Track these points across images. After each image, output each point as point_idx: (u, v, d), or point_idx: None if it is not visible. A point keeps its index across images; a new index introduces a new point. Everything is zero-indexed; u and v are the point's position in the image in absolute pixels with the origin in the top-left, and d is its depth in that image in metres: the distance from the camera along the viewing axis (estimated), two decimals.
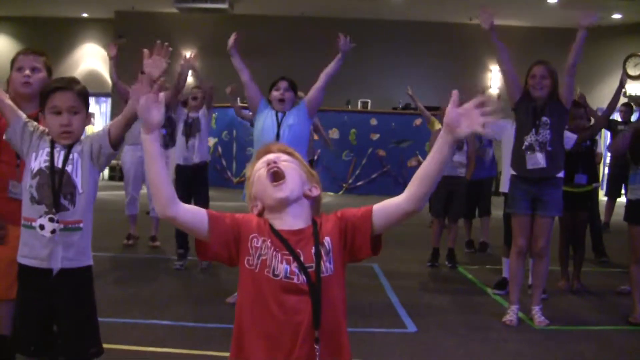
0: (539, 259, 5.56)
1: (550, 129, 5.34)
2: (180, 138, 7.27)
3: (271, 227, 2.22)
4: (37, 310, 3.07)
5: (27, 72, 3.55)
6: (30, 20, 18.69)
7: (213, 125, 15.98)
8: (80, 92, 3.08)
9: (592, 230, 8.02)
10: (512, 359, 4.75)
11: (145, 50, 3.25)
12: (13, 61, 3.65)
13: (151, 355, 4.41)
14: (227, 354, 4.25)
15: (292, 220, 2.23)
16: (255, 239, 2.19)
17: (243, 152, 15.40)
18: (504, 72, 5.54)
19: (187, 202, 6.81)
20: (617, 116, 11.18)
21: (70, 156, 3.04)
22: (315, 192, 2.30)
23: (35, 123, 3.13)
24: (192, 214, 2.20)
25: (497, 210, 8.17)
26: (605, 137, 14.00)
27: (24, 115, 3.12)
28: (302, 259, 2.15)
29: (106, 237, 8.03)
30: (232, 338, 2.23)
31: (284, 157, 2.31)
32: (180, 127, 7.29)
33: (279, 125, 5.64)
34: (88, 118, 3.15)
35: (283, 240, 2.18)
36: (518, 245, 5.48)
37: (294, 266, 2.14)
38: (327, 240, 2.21)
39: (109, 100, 19.06)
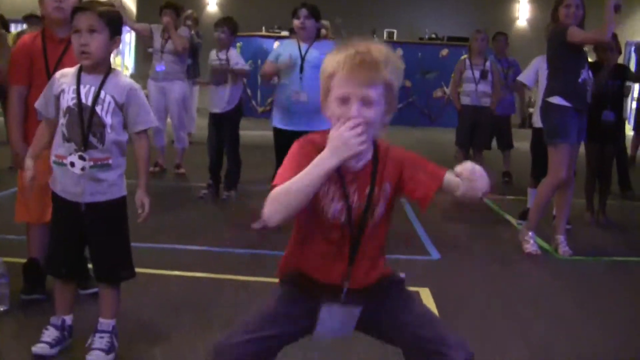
0: (567, 187, 5.54)
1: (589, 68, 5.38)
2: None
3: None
4: (69, 236, 3.14)
5: None
6: None
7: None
8: (103, 13, 3.01)
9: (618, 164, 7.97)
10: (536, 288, 4.79)
11: None
12: None
13: (180, 280, 4.49)
14: (254, 278, 4.32)
15: (354, 161, 2.15)
16: None
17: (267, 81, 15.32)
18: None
19: (220, 145, 6.86)
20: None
21: (102, 95, 3.03)
22: (388, 119, 2.18)
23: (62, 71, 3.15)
24: None
25: (521, 142, 8.13)
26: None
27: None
28: (354, 199, 2.15)
29: (132, 165, 8.08)
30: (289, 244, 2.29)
31: (366, 112, 2.06)
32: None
33: (302, 59, 5.62)
34: (116, 42, 3.09)
35: (340, 176, 2.14)
36: (561, 177, 5.36)
37: (343, 206, 2.15)
38: (387, 186, 2.19)
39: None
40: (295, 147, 2.17)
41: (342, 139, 1.98)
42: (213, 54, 7.09)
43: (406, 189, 2.20)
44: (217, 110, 6.95)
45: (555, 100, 5.38)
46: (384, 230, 2.27)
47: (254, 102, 16.32)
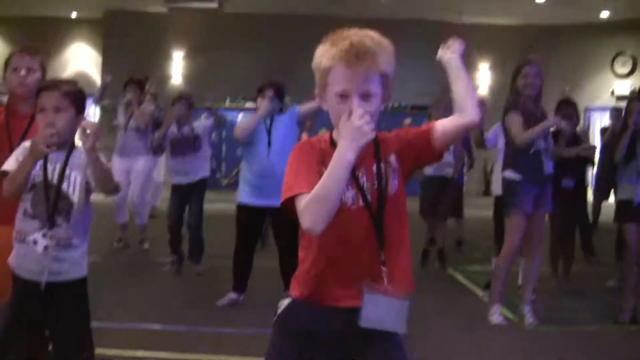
0: (533, 257, 5.57)
1: (549, 136, 5.43)
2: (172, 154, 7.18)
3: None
4: (27, 317, 3.06)
5: (23, 72, 3.57)
6: (19, 20, 18.56)
7: None
8: (67, 92, 3.03)
9: (581, 230, 8.04)
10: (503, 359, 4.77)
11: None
12: (7, 61, 3.65)
13: None
14: (218, 357, 4.25)
15: None
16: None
17: (233, 152, 15.38)
18: None
19: (182, 214, 6.84)
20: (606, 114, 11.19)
21: (67, 172, 3.02)
22: (387, 102, 2.24)
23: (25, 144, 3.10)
24: None
25: (484, 210, 8.19)
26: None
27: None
28: (364, 181, 2.16)
29: (97, 240, 8.00)
30: (297, 280, 2.23)
31: (366, 105, 2.10)
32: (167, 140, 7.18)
33: (269, 132, 5.65)
34: (80, 119, 3.08)
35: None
36: (515, 245, 5.44)
37: (357, 191, 2.15)
38: (392, 158, 2.22)
39: None
40: (294, 153, 2.20)
41: (355, 129, 2.02)
42: (172, 128, 7.09)
43: (412, 148, 2.23)
44: (181, 180, 6.95)
45: (507, 174, 5.52)
46: (404, 213, 2.25)
47: (218, 174, 16.30)
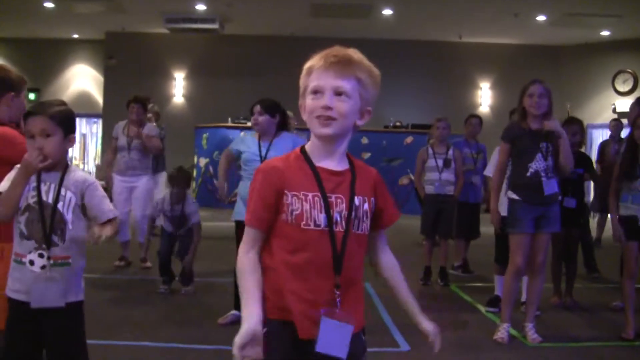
0: (536, 276, 5.55)
1: (552, 155, 5.39)
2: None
3: (309, 163, 2.22)
4: (24, 343, 3.04)
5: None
6: (21, 42, 18.67)
7: (204, 146, 15.97)
8: (53, 115, 3.02)
9: (583, 246, 8.03)
10: None
11: None
12: None
13: None
14: None
15: (332, 157, 2.23)
16: (287, 196, 2.18)
17: (232, 173, 15.34)
18: None
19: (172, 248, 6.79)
20: (607, 131, 11.25)
21: (62, 191, 3.02)
22: (363, 121, 2.25)
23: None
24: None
25: (487, 227, 8.15)
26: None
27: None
28: (338, 207, 2.19)
29: (98, 258, 7.99)
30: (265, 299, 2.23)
31: (337, 102, 2.16)
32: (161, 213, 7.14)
33: (262, 158, 5.58)
34: (70, 140, 3.10)
35: (319, 184, 2.19)
36: (517, 264, 5.42)
37: (325, 215, 2.17)
38: (372, 201, 2.28)
39: (100, 121, 19.03)
40: (258, 177, 2.23)
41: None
42: (167, 203, 7.05)
43: (377, 212, 2.31)
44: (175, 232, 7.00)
45: (509, 194, 5.54)
46: (363, 247, 2.29)
47: (217, 195, 16.25)
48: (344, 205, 2.19)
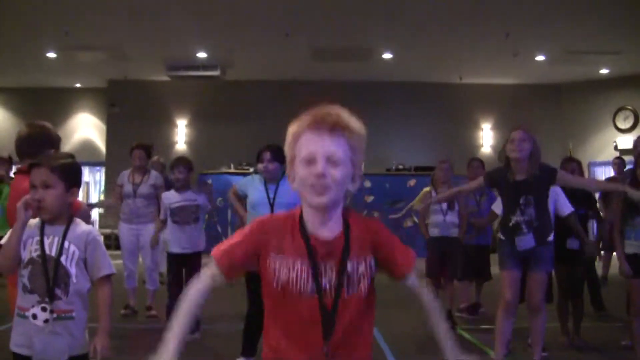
0: (536, 315, 5.55)
1: (534, 206, 5.43)
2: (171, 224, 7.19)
3: (302, 232, 2.17)
4: None
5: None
6: (24, 91, 18.79)
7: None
8: (55, 168, 3.05)
9: (589, 284, 7.99)
10: None
11: None
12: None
13: None
14: None
15: (325, 225, 2.15)
16: (272, 261, 2.16)
17: (233, 217, 15.34)
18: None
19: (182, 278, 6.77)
20: (610, 169, 11.28)
21: (66, 245, 3.03)
22: (355, 187, 2.18)
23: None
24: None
25: (494, 268, 8.11)
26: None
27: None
28: (326, 277, 2.14)
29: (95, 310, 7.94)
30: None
31: (331, 170, 2.08)
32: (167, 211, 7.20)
33: (272, 201, 5.63)
34: (73, 194, 3.12)
35: (310, 252, 2.14)
36: (506, 299, 5.51)
37: (314, 283, 2.13)
38: (370, 260, 2.20)
39: (103, 169, 19.06)
40: (252, 224, 2.24)
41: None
42: (173, 194, 7.11)
43: (384, 268, 2.25)
44: (183, 250, 6.95)
45: (499, 234, 5.72)
46: (371, 306, 2.24)
47: (224, 239, 16.19)
48: (333, 273, 2.13)
